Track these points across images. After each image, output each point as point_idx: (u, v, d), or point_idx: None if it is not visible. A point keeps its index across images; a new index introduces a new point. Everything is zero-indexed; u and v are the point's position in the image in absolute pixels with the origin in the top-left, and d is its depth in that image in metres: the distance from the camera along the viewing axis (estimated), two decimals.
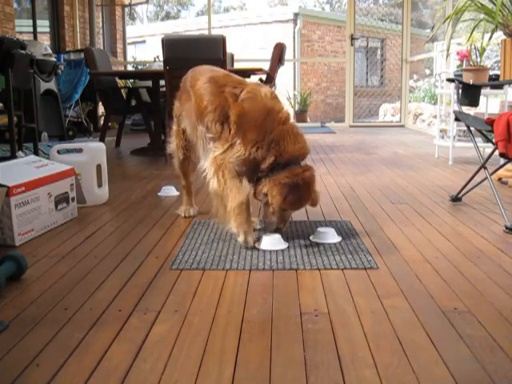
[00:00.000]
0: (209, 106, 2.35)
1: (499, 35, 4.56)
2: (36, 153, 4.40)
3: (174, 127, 2.77)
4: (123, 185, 3.74)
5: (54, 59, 6.16)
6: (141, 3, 14.06)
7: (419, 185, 3.62)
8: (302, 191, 2.20)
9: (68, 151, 3.15)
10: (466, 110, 3.69)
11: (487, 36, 4.55)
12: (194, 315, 1.58)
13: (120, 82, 7.22)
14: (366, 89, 11.75)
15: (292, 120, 2.31)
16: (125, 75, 7.44)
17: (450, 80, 4.00)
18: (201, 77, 2.48)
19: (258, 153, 2.20)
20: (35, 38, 7.85)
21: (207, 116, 2.36)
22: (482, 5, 4.29)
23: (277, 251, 2.16)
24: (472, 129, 3.05)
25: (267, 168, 2.20)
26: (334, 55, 15.22)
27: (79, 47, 8.44)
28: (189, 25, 16.29)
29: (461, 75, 4.60)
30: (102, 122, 7.02)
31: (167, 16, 24.98)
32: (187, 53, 4.50)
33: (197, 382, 1.22)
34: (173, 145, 2.81)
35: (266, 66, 6.23)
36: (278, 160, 2.19)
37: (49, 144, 5.39)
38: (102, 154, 3.16)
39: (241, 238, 2.21)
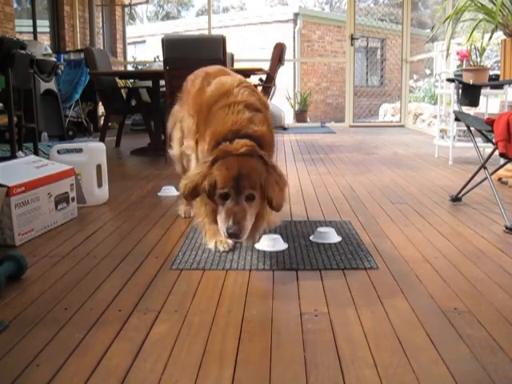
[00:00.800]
0: (192, 108, 2.24)
1: (499, 35, 4.56)
2: (36, 153, 4.40)
3: (178, 133, 2.58)
4: (123, 185, 3.74)
5: (53, 59, 6.16)
6: (141, 3, 14.07)
7: (419, 185, 3.62)
8: (228, 163, 1.81)
9: (68, 151, 3.15)
10: (466, 110, 3.69)
11: (487, 36, 4.55)
12: (194, 315, 1.58)
13: (120, 82, 7.22)
14: (366, 89, 11.75)
15: (254, 103, 1.99)
16: (125, 75, 7.44)
17: (449, 80, 4.01)
18: (196, 78, 2.38)
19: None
20: (35, 38, 7.85)
21: (193, 118, 2.24)
22: (482, 5, 4.29)
23: (277, 251, 2.16)
24: (472, 129, 3.05)
25: None
26: (334, 55, 15.22)
27: (79, 47, 8.44)
28: (189, 25, 16.30)
29: (461, 75, 4.60)
30: (102, 122, 7.02)
31: (167, 16, 24.98)
32: (187, 53, 4.50)
33: (197, 382, 1.22)
34: (175, 150, 2.66)
35: (266, 66, 6.23)
36: (208, 147, 1.95)
37: (49, 144, 5.39)
38: (102, 154, 3.16)
39: (211, 246, 2.15)
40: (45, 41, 8.10)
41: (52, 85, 6.35)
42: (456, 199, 3.06)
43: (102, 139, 5.51)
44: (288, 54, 7.33)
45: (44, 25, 8.29)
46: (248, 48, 13.83)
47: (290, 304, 1.66)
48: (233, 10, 24.13)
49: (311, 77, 14.77)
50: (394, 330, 1.47)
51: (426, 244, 2.28)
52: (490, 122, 2.78)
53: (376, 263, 2.02)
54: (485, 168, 2.84)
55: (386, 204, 3.04)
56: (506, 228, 2.45)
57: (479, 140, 4.08)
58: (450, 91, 4.66)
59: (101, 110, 7.96)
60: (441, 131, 5.12)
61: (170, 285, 1.82)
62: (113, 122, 7.50)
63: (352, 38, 8.76)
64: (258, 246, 2.21)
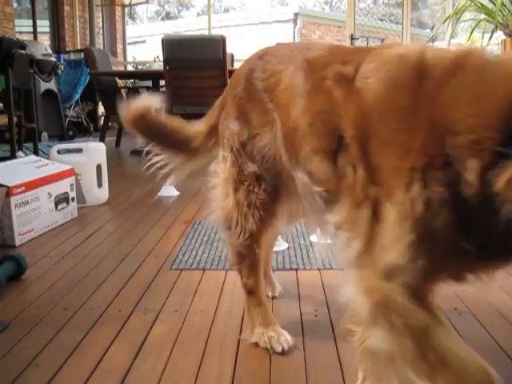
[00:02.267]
0: (301, 123, 1.15)
1: (499, 35, 4.56)
2: (36, 153, 4.40)
3: (226, 166, 1.40)
4: (123, 185, 3.73)
5: (54, 59, 6.16)
6: (141, 3, 14.07)
7: None
8: None
9: (68, 151, 3.15)
10: None
11: (487, 36, 4.55)
12: (194, 315, 1.58)
13: (120, 82, 7.22)
14: None
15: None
16: (125, 75, 7.45)
17: None
18: (287, 67, 1.24)
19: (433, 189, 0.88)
20: (35, 38, 7.85)
21: (301, 146, 1.16)
22: (482, 5, 4.29)
23: (277, 251, 2.16)
24: None
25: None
26: None
27: (79, 47, 8.44)
28: (189, 25, 16.28)
29: None
30: (102, 121, 7.02)
31: (167, 16, 24.99)
32: (187, 53, 4.50)
33: (197, 382, 1.22)
34: (223, 207, 1.42)
35: None
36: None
37: (49, 144, 5.39)
38: (102, 153, 3.16)
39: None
40: (45, 41, 8.10)
41: (52, 85, 6.35)
42: None
43: (101, 139, 5.51)
44: None
45: (44, 25, 8.30)
46: (248, 48, 13.83)
47: (290, 304, 1.66)
48: (233, 10, 24.14)
49: None
50: None
51: None
52: None
53: None
54: None
55: None
56: None
57: None
58: None
59: (101, 110, 7.96)
60: None
61: (170, 285, 1.82)
62: (113, 122, 7.50)
63: (352, 38, 8.76)
64: None
